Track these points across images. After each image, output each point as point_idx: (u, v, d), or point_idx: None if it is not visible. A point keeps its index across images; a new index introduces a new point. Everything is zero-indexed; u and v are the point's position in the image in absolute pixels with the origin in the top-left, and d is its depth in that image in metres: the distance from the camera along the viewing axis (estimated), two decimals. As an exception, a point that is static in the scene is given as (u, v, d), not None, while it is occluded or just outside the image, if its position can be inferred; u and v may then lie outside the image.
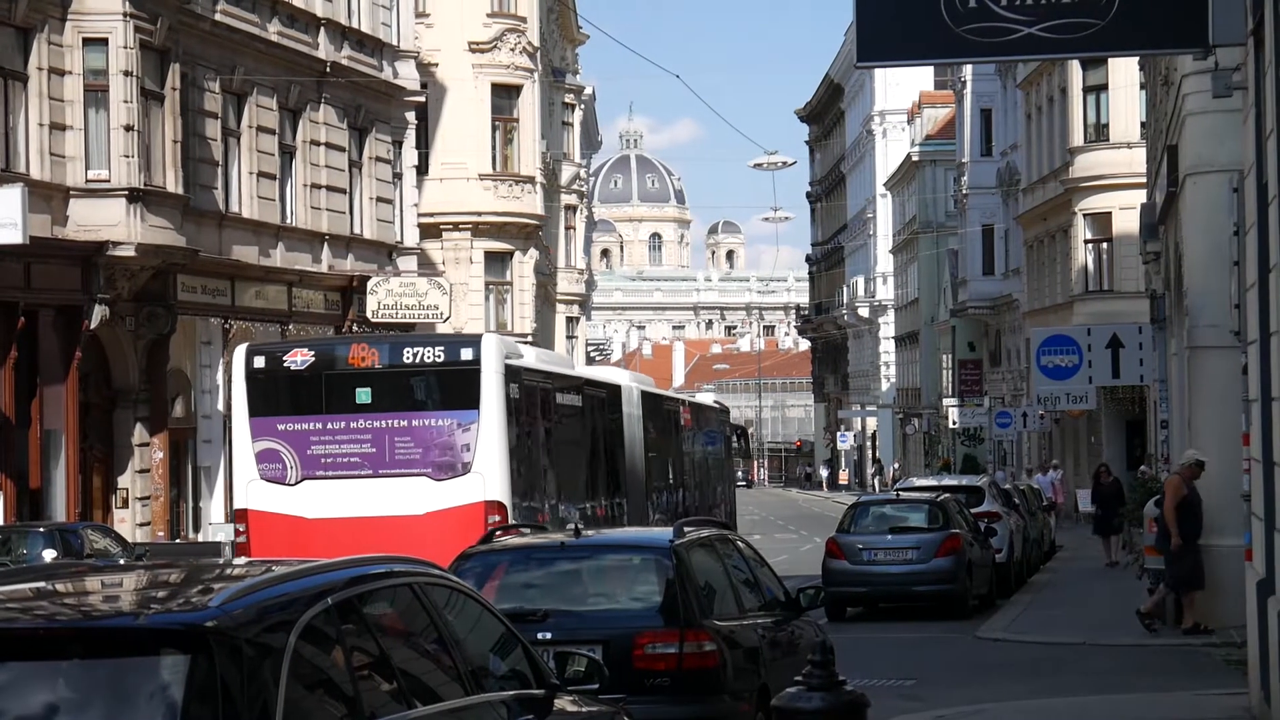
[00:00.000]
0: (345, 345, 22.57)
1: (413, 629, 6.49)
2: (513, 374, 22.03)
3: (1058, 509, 47.79)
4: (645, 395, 30.35)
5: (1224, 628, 20.41)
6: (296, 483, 21.19)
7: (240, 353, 22.16)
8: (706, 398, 44.42)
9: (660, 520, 29.08)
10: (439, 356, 21.63)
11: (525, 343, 47.89)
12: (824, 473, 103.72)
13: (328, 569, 6.05)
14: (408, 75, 42.62)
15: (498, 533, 13.16)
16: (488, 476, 21.09)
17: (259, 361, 21.71)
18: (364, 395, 21.41)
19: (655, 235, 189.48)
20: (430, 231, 47.10)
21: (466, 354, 21.56)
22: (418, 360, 21.64)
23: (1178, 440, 27.07)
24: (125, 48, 29.19)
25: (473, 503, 20.96)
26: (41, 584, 5.92)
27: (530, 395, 23.00)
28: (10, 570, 6.51)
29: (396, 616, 6.38)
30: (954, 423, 69.58)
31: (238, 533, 21.71)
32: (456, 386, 21.44)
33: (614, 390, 28.43)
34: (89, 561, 21.84)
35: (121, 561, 21.77)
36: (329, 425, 21.37)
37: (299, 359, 21.62)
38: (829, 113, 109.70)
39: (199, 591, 5.69)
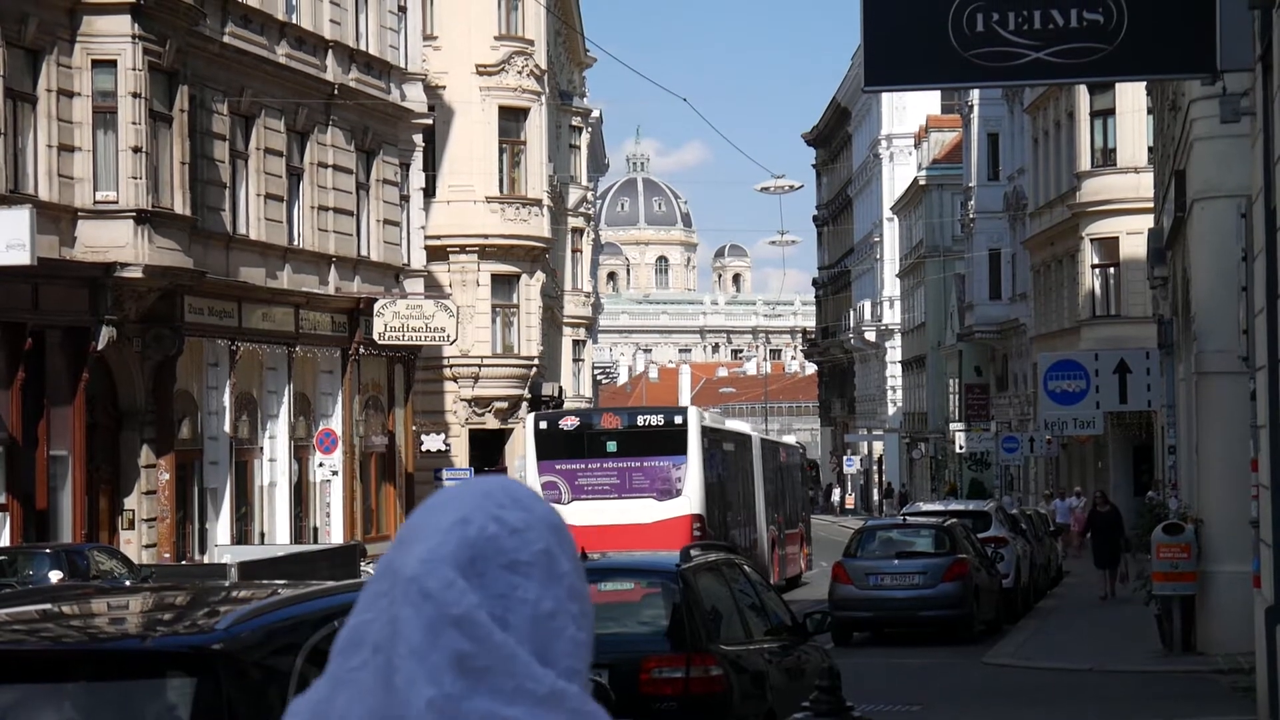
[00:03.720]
0: (599, 414, 33.78)
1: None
2: (704, 431, 32.33)
3: (1068, 535, 47.51)
4: (763, 441, 40.47)
5: (1230, 654, 20.36)
6: (569, 503, 30.84)
7: (530, 419, 34.05)
8: (790, 439, 54.50)
9: (773, 530, 38.49)
10: (660, 421, 32.40)
11: (533, 366, 48.11)
12: (836, 495, 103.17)
13: (335, 592, 6.04)
14: (415, 98, 42.69)
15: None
16: (692, 498, 31.16)
17: (543, 424, 32.52)
18: (612, 446, 31.70)
19: (662, 258, 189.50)
20: (437, 254, 47.13)
21: (678, 420, 32.28)
22: (646, 424, 32.32)
23: (1185, 466, 27.02)
24: (134, 70, 29.24)
25: (683, 515, 30.69)
26: (48, 605, 5.90)
27: (711, 445, 33.11)
28: (17, 592, 6.50)
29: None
30: (960, 447, 69.47)
31: None
32: (671, 441, 31.57)
33: (746, 438, 38.16)
34: (95, 583, 21.82)
35: (128, 583, 21.74)
36: (589, 465, 31.74)
37: (569, 423, 32.54)
38: (836, 136, 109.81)
39: (205, 614, 5.67)
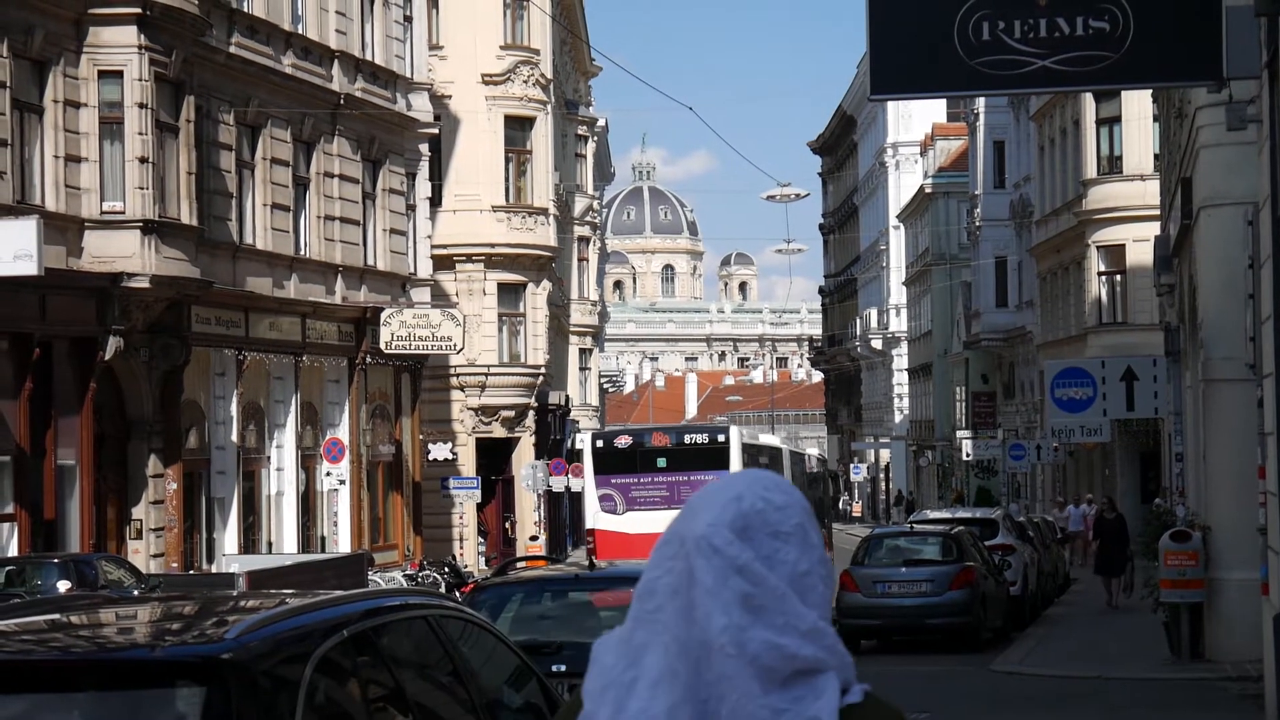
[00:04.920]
0: (650, 433, 37.19)
1: (428, 661, 6.46)
2: (744, 447, 35.87)
3: (1075, 541, 47.33)
4: (792, 453, 44.57)
5: (1239, 662, 20.34)
6: (623, 513, 34.65)
7: (588, 437, 37.95)
8: (814, 451, 58.03)
9: None
10: (704, 439, 36.03)
11: (540, 374, 48.36)
12: (844, 502, 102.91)
13: (343, 601, 6.04)
14: (421, 107, 42.72)
15: (519, 564, 13.15)
16: None
17: (599, 443, 36.17)
18: (661, 462, 35.12)
19: (668, 267, 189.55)
20: (443, 263, 47.17)
21: (720, 437, 35.93)
22: (693, 441, 35.85)
23: (1193, 473, 27.00)
24: (140, 80, 29.28)
25: None
26: (56, 615, 5.91)
27: (750, 459, 36.39)
28: (25, 601, 6.51)
29: (412, 649, 6.35)
30: (967, 455, 69.44)
31: (589, 543, 35.09)
32: (715, 455, 34.63)
33: (778, 451, 41.86)
34: (103, 593, 21.83)
35: (136, 593, 21.75)
36: (641, 479, 35.02)
37: (623, 441, 36.23)
38: (842, 145, 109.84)
39: (214, 623, 5.67)
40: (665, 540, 2.85)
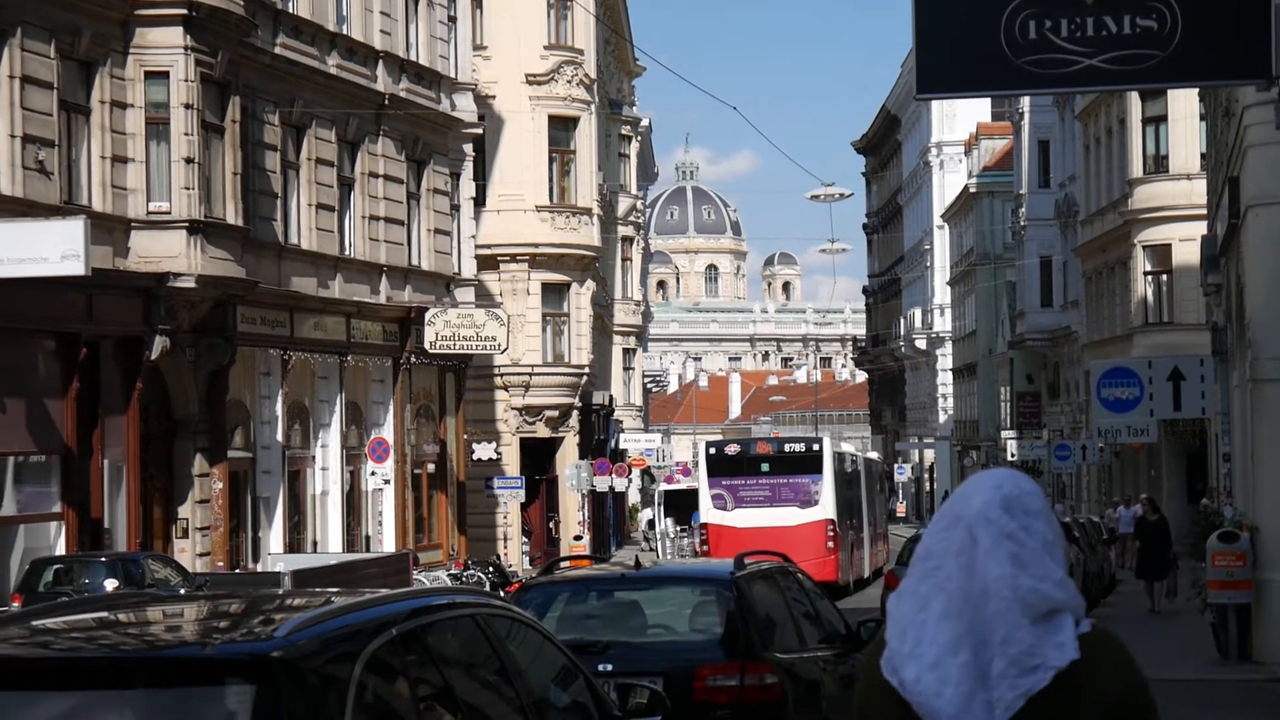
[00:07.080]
0: (755, 443, 43.36)
1: (475, 660, 6.46)
2: (835, 455, 41.08)
3: (1122, 542, 46.89)
4: (865, 459, 51.26)
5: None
6: (732, 509, 39.58)
7: (703, 445, 43.16)
8: (874, 455, 66.26)
9: (870, 529, 47.47)
10: (801, 448, 40.85)
11: (584, 374, 48.54)
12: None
13: (391, 600, 6.04)
14: (465, 107, 42.79)
15: (563, 563, 13.16)
16: (826, 507, 39.60)
17: (712, 450, 41.47)
18: (765, 466, 40.11)
19: (711, 267, 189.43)
20: (488, 263, 47.23)
21: (815, 447, 40.80)
22: (791, 450, 40.80)
23: (1240, 474, 26.84)
24: (186, 81, 29.41)
25: (819, 520, 39.26)
26: (105, 614, 5.92)
27: (840, 464, 41.74)
28: (73, 600, 6.53)
29: (459, 647, 6.35)
30: (1012, 455, 69.16)
31: (703, 537, 40.45)
32: (810, 462, 40.03)
33: (856, 457, 47.91)
34: (150, 591, 21.93)
35: (182, 591, 21.85)
36: (748, 481, 39.95)
37: (732, 449, 41.89)
38: (886, 144, 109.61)
39: (263, 622, 5.67)
40: (941, 516, 3.90)
